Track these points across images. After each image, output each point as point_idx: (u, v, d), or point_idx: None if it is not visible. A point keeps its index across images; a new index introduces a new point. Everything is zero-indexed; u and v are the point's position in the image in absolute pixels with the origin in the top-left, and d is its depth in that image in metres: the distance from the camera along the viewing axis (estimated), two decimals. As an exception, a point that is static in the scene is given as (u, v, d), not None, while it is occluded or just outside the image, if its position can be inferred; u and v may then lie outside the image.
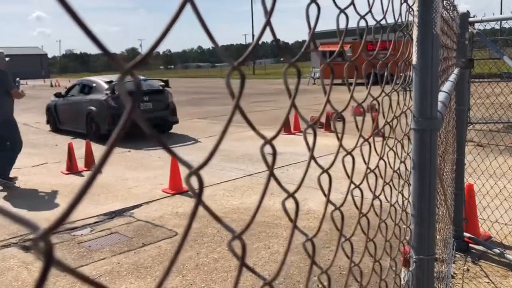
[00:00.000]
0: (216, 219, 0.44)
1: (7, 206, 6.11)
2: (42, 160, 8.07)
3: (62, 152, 8.83)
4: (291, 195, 0.59)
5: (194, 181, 0.45)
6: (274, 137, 0.53)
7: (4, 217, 0.27)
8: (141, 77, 12.09)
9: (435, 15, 1.36)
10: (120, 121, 0.30)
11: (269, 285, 0.54)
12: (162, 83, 11.89)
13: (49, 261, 0.25)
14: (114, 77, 11.27)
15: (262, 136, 0.53)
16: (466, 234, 4.29)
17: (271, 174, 0.51)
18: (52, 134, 12.35)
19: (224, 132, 0.42)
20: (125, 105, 0.30)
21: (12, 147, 6.99)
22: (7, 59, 7.14)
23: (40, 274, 0.26)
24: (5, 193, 6.71)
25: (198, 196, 0.39)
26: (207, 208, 0.42)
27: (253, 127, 0.50)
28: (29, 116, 15.89)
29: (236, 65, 0.44)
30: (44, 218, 5.49)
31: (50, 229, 0.26)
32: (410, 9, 1.39)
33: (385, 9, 1.15)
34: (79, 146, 8.89)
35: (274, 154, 0.52)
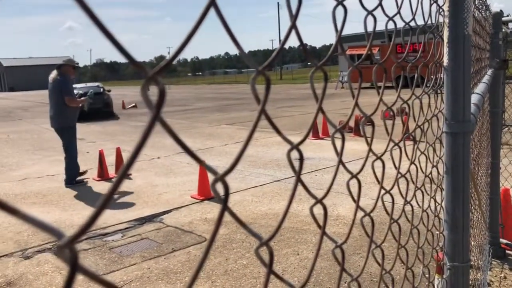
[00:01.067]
0: (243, 225, 0.44)
1: (39, 213, 6.28)
2: (75, 167, 8.26)
3: (93, 159, 9.02)
4: (319, 201, 0.58)
5: (220, 188, 0.44)
6: (301, 142, 0.53)
7: (31, 224, 0.27)
8: (91, 84, 20.07)
9: (467, 15, 1.33)
10: (145, 128, 0.30)
11: (297, 293, 0.53)
12: (104, 88, 20.12)
13: (74, 268, 0.25)
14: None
15: (289, 141, 0.52)
16: (503, 241, 4.15)
17: (298, 180, 0.51)
18: (84, 142, 12.65)
19: (249, 137, 0.41)
20: (149, 112, 0.30)
21: (70, 153, 7.41)
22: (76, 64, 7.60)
23: (66, 281, 0.26)
24: (37, 200, 6.90)
25: (224, 202, 0.39)
26: (233, 215, 0.42)
27: (279, 132, 0.49)
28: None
29: (261, 69, 0.43)
30: (76, 225, 5.62)
31: (75, 237, 0.26)
32: (441, 10, 1.36)
33: (414, 10, 1.12)
34: (110, 153, 9.06)
35: (301, 159, 0.51)
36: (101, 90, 19.60)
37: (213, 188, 0.39)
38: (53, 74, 7.27)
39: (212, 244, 0.37)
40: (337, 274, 0.74)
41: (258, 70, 0.43)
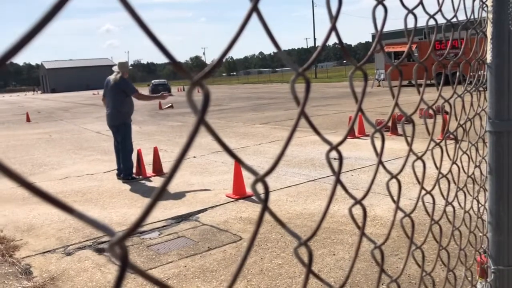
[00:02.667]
0: (282, 225, 0.44)
1: (82, 210, 6.48)
2: (113, 166, 8.47)
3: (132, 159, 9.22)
4: (358, 201, 0.57)
5: (260, 188, 0.44)
6: (341, 143, 0.52)
7: (84, 222, 0.28)
8: None
9: None
10: (191, 130, 0.30)
11: (338, 294, 0.53)
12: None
13: (125, 265, 0.26)
14: None
15: (328, 142, 0.52)
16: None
17: (338, 180, 0.50)
18: (123, 141, 12.97)
19: (289, 138, 0.41)
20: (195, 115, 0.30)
21: (124, 149, 7.90)
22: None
23: (117, 277, 0.27)
24: (77, 198, 7.12)
25: (264, 202, 0.39)
26: (273, 215, 0.42)
27: (318, 133, 0.49)
28: (101, 124, 16.78)
29: (301, 71, 0.43)
30: (116, 222, 5.77)
31: (125, 235, 0.27)
32: (484, 5, 1.32)
33: (456, 6, 1.09)
34: (148, 153, 9.25)
35: (341, 159, 0.51)
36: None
37: (253, 188, 0.39)
38: (114, 75, 7.88)
39: (253, 242, 0.37)
40: (374, 276, 0.74)
41: (298, 72, 0.44)
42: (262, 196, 0.41)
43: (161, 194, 0.30)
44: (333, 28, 0.47)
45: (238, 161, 0.36)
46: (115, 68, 7.95)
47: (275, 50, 0.46)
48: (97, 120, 19.70)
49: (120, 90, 7.69)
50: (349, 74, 0.58)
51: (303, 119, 0.49)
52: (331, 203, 0.52)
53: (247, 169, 0.39)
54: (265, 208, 0.39)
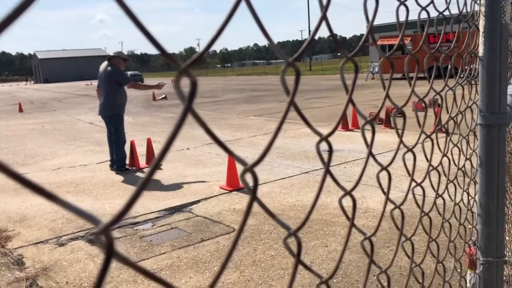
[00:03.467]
0: (271, 215, 0.44)
1: (72, 200, 6.46)
2: (106, 157, 8.44)
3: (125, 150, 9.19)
4: (348, 193, 0.57)
5: (249, 178, 0.45)
6: (330, 134, 0.52)
7: (69, 211, 0.28)
8: None
9: (504, 3, 1.28)
10: (177, 119, 0.30)
11: (325, 283, 0.53)
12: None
13: (110, 254, 0.26)
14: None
15: (318, 133, 0.52)
16: (539, 236, 4.02)
17: (327, 172, 0.50)
18: (116, 133, 12.92)
19: (278, 129, 0.42)
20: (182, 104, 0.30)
21: (117, 140, 7.87)
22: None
23: (102, 266, 0.27)
24: (70, 189, 7.10)
25: (252, 192, 0.39)
26: (262, 205, 0.42)
27: (308, 124, 0.49)
28: (95, 115, 16.68)
29: (291, 61, 0.43)
30: (109, 214, 5.76)
31: (110, 224, 0.27)
32: (476, -2, 1.32)
33: (448, -1, 1.10)
34: (141, 144, 9.22)
35: (331, 151, 0.51)
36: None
37: (242, 178, 0.39)
38: (103, 65, 7.77)
39: (241, 233, 0.37)
40: (366, 267, 0.74)
41: (288, 62, 0.43)
42: (251, 186, 0.41)
43: (147, 182, 0.30)
44: (324, 17, 0.47)
45: (226, 150, 0.36)
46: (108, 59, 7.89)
47: (269, 43, 0.46)
48: (90, 111, 19.58)
49: (113, 80, 7.60)
50: (340, 65, 0.58)
51: (294, 111, 0.49)
52: (321, 194, 0.52)
53: (235, 158, 0.39)
54: (254, 198, 0.39)
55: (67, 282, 3.99)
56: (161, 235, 4.99)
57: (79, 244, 4.83)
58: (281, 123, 0.42)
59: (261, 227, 4.97)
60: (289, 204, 5.83)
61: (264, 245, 4.52)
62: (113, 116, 7.75)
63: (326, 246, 4.46)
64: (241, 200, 6.10)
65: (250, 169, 0.39)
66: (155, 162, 0.31)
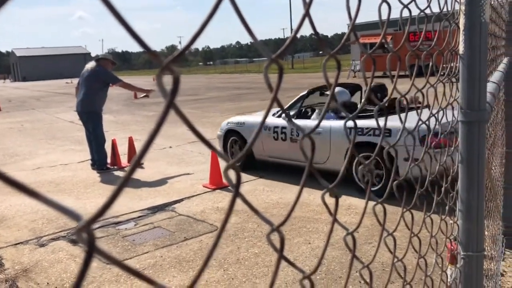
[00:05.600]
0: (255, 211, 0.44)
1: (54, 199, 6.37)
2: (87, 156, 8.33)
3: (106, 148, 9.09)
4: (329, 189, 0.58)
5: (232, 175, 0.44)
6: (313, 130, 0.52)
7: (50, 207, 0.28)
8: None
9: (484, 2, 1.30)
10: (159, 116, 0.30)
11: (308, 278, 0.53)
12: None
13: (91, 250, 0.26)
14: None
15: (301, 129, 0.52)
16: (516, 231, 4.11)
17: (310, 168, 0.51)
18: (97, 131, 12.77)
19: (262, 124, 0.41)
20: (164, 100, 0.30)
21: (96, 139, 7.80)
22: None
23: (83, 262, 0.26)
24: (51, 188, 7.00)
25: (236, 188, 0.39)
26: (245, 201, 0.42)
27: (290, 120, 0.49)
28: (75, 114, 16.46)
29: (274, 57, 0.43)
30: (90, 213, 5.69)
31: (92, 220, 0.26)
32: (456, -3, 1.34)
33: (429, -3, 1.11)
34: (123, 142, 9.13)
35: (313, 147, 0.51)
36: None
37: (225, 174, 0.39)
38: (91, 64, 7.80)
39: (224, 229, 0.37)
40: (349, 263, 0.75)
41: (271, 58, 0.43)
42: (234, 183, 0.41)
43: (129, 178, 0.29)
44: (306, 14, 0.47)
45: (209, 146, 0.36)
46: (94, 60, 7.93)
47: (252, 40, 0.46)
48: (70, 109, 19.29)
49: (98, 79, 7.58)
50: (323, 62, 0.58)
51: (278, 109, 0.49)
52: (304, 192, 0.52)
53: (218, 154, 0.39)
54: (237, 194, 0.39)
55: (48, 283, 3.93)
56: (144, 235, 4.95)
57: (60, 244, 4.77)
58: (265, 118, 0.42)
59: (244, 225, 4.97)
60: (273, 202, 5.85)
61: (247, 243, 4.52)
62: (90, 113, 7.67)
63: (309, 243, 4.48)
64: (225, 198, 6.09)
65: (232, 165, 0.39)
66: (137, 158, 0.31)
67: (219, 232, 0.36)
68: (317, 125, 0.57)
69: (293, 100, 6.89)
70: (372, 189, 0.55)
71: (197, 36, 0.32)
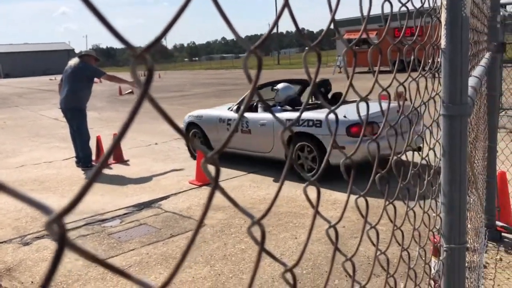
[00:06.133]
0: (235, 205, 0.44)
1: (38, 198, 6.29)
2: (72, 154, 8.23)
3: (91, 145, 9.01)
4: (311, 181, 0.58)
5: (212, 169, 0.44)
6: (294, 123, 0.52)
7: (21, 201, 0.27)
8: None
9: (464, -4, 1.31)
10: (133, 106, 0.29)
11: (290, 271, 0.53)
12: None
13: (63, 243, 0.25)
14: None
15: (282, 122, 0.52)
16: (499, 223, 4.18)
17: (291, 161, 0.50)
18: (82, 128, 12.63)
19: (240, 116, 0.41)
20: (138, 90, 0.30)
21: (80, 136, 7.72)
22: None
23: (54, 257, 0.26)
24: (35, 186, 6.91)
25: (214, 180, 0.39)
26: (224, 194, 0.42)
27: (271, 112, 0.49)
28: (59, 111, 16.26)
29: (253, 48, 0.43)
30: (76, 210, 5.62)
31: (63, 212, 0.26)
32: (438, -9, 1.34)
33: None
34: (108, 139, 9.05)
35: (292, 139, 0.51)
36: None
37: (204, 167, 0.39)
38: (74, 61, 7.72)
39: (202, 221, 0.37)
40: (336, 258, 0.75)
41: (250, 49, 0.43)
42: (213, 175, 0.41)
43: (102, 167, 0.29)
44: (286, 4, 0.46)
45: (184, 137, 0.35)
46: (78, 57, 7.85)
47: (231, 32, 0.45)
48: (54, 106, 19.03)
49: (82, 75, 7.51)
50: (303, 55, 0.58)
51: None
52: (286, 185, 0.52)
53: (197, 147, 0.39)
54: (216, 187, 0.38)
55: (32, 282, 3.89)
56: (130, 232, 4.92)
57: (44, 243, 4.71)
58: (244, 110, 0.41)
59: (231, 221, 4.97)
60: (260, 197, 5.85)
61: (234, 239, 4.53)
62: (74, 110, 7.59)
63: (296, 238, 4.50)
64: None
65: (211, 157, 0.39)
66: (111, 147, 0.30)
67: (198, 223, 0.36)
68: (298, 119, 0.57)
69: (245, 94, 7.23)
70: (308, 174, 0.55)
71: (170, 26, 0.32)
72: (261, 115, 6.93)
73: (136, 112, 0.29)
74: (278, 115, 6.68)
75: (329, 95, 7.36)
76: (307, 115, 6.19)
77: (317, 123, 6.11)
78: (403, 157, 1.14)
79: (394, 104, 1.14)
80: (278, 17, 0.46)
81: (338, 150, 0.74)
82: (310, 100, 7.38)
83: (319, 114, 6.13)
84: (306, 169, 6.26)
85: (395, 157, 1.05)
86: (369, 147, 0.89)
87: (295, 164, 0.59)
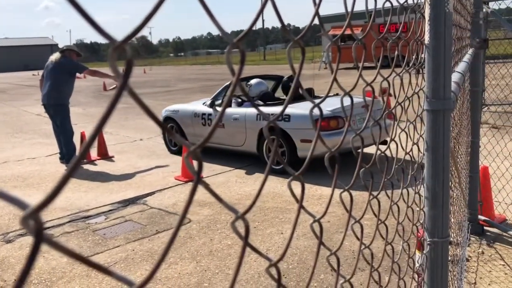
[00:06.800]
0: (218, 199, 0.43)
1: (20, 195, 6.20)
2: (55, 150, 8.13)
3: (75, 141, 8.91)
4: (296, 176, 0.58)
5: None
6: (277, 118, 0.52)
7: (-4, 197, 0.26)
8: None
9: (447, -9, 1.32)
10: (112, 98, 0.29)
11: (274, 266, 0.53)
12: None
13: (39, 238, 0.24)
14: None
15: (265, 116, 0.52)
16: (481, 217, 4.25)
17: (275, 155, 0.50)
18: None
19: (224, 108, 0.41)
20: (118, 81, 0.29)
21: (64, 132, 7.60)
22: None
23: (30, 253, 0.25)
24: (17, 183, 6.81)
25: (197, 174, 0.39)
26: (207, 188, 0.42)
27: (254, 105, 0.49)
28: (42, 107, 16.04)
29: (235, 41, 0.43)
30: (59, 207, 5.57)
31: (40, 207, 0.25)
32: (421, -14, 1.35)
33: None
34: (92, 135, 8.95)
35: (277, 134, 0.51)
36: None
37: (186, 161, 0.39)
38: (55, 56, 7.60)
39: (185, 214, 0.37)
40: (321, 252, 0.75)
41: (232, 42, 0.43)
42: (196, 169, 0.40)
43: (80, 162, 0.28)
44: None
45: (163, 128, 0.35)
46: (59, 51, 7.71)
47: (214, 24, 0.45)
48: (37, 102, 18.75)
49: (64, 70, 7.42)
50: (287, 49, 0.58)
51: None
52: (276, 183, 0.52)
53: (178, 140, 0.38)
54: (198, 180, 0.38)
55: (15, 279, 3.83)
56: (115, 228, 4.89)
57: (27, 240, 4.65)
58: (226, 103, 0.41)
59: (217, 217, 4.97)
60: (246, 193, 5.85)
61: (220, 235, 4.52)
62: (57, 105, 7.49)
63: (282, 233, 4.51)
64: (197, 190, 6.06)
65: (193, 151, 0.38)
66: (90, 138, 0.29)
67: (182, 215, 0.36)
68: (282, 112, 0.57)
69: (219, 90, 7.74)
70: (277, 167, 0.55)
71: (150, 17, 0.31)
72: (234, 110, 7.07)
73: (115, 104, 0.29)
74: (250, 110, 6.83)
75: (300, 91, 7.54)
76: (275, 109, 6.26)
77: (286, 118, 6.28)
78: (387, 152, 1.15)
79: (359, 99, 1.16)
80: (262, 8, 0.46)
81: (304, 143, 0.74)
82: (278, 96, 7.75)
83: (288, 109, 6.27)
84: (275, 162, 6.34)
85: (378, 152, 1.06)
86: (335, 140, 0.90)
87: (266, 157, 0.59)
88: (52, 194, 0.27)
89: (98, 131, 0.29)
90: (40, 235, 0.25)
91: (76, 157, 0.29)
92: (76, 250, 0.30)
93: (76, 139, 7.84)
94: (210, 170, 6.87)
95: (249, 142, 6.85)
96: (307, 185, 5.15)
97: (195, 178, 0.38)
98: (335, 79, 0.65)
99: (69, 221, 5.09)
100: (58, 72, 7.41)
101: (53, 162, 7.99)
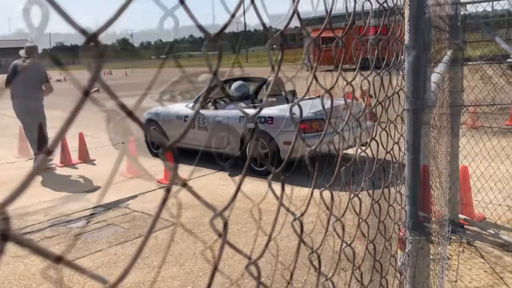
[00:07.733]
0: (196, 197, 0.43)
1: None
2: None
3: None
4: (275, 172, 0.57)
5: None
6: (256, 114, 0.52)
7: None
8: None
9: (426, -7, 1.34)
10: (83, 88, 0.28)
11: (254, 264, 0.53)
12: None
13: (5, 236, 0.24)
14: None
15: (244, 113, 0.52)
16: (461, 216, 4.31)
17: (253, 153, 0.50)
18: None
19: (198, 109, 0.40)
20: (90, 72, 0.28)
21: (39, 135, 7.32)
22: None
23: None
24: (-1, 188, 6.68)
25: (174, 169, 0.38)
26: (185, 185, 0.41)
27: (235, 104, 0.48)
28: (22, 110, 15.75)
29: (213, 37, 0.42)
30: (39, 210, 5.47)
31: (5, 203, 0.24)
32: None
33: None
34: (73, 139, 8.83)
35: (255, 129, 0.51)
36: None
37: (162, 157, 0.38)
38: (21, 60, 7.18)
39: (161, 210, 0.36)
40: (305, 253, 0.75)
41: (210, 38, 0.42)
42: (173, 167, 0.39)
43: (45, 161, 0.27)
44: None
45: (140, 125, 0.34)
46: (22, 53, 7.21)
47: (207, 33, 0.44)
48: (16, 106, 18.45)
49: (35, 77, 7.11)
50: (266, 46, 0.58)
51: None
52: (260, 184, 0.52)
53: (154, 138, 0.38)
54: (175, 175, 0.37)
55: (-7, 286, 3.75)
56: (97, 232, 4.82)
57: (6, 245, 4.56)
58: (205, 99, 0.40)
59: (201, 220, 4.94)
60: (229, 195, 5.81)
61: (204, 238, 4.50)
62: (34, 115, 7.22)
63: (266, 234, 4.50)
64: (180, 193, 6.02)
65: (169, 147, 0.38)
66: (59, 134, 0.29)
67: (156, 215, 0.35)
68: (258, 111, 0.56)
69: (201, 92, 7.64)
70: (260, 168, 0.55)
71: (122, 11, 0.30)
72: (217, 112, 7.10)
73: (88, 96, 0.28)
74: (233, 112, 6.90)
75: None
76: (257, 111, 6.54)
77: (269, 120, 6.37)
78: (368, 151, 1.15)
79: (341, 101, 1.17)
80: (240, 3, 0.45)
81: (287, 145, 0.74)
82: (261, 98, 7.91)
83: (270, 111, 6.33)
84: (259, 163, 6.36)
85: (359, 151, 1.06)
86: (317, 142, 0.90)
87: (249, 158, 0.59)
88: (18, 190, 0.26)
89: (68, 126, 0.28)
90: (7, 233, 0.24)
91: (42, 155, 0.29)
92: (38, 244, 0.29)
93: (75, 140, 7.72)
94: (192, 172, 6.84)
95: (232, 144, 6.90)
96: (292, 187, 5.15)
97: (172, 174, 0.38)
98: (314, 77, 0.65)
99: (50, 226, 5.01)
100: (29, 77, 7.11)
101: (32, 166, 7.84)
